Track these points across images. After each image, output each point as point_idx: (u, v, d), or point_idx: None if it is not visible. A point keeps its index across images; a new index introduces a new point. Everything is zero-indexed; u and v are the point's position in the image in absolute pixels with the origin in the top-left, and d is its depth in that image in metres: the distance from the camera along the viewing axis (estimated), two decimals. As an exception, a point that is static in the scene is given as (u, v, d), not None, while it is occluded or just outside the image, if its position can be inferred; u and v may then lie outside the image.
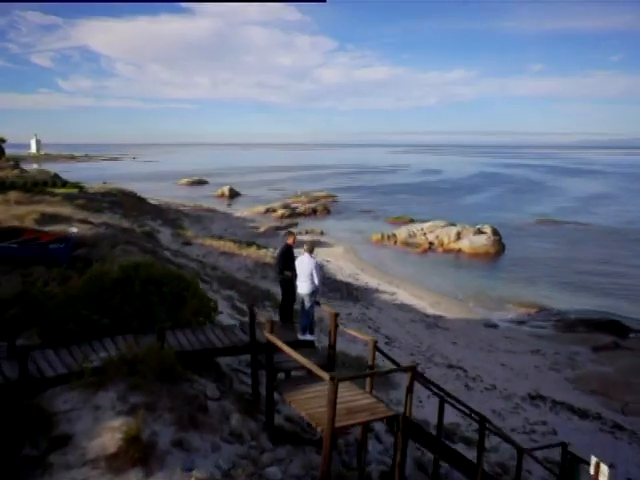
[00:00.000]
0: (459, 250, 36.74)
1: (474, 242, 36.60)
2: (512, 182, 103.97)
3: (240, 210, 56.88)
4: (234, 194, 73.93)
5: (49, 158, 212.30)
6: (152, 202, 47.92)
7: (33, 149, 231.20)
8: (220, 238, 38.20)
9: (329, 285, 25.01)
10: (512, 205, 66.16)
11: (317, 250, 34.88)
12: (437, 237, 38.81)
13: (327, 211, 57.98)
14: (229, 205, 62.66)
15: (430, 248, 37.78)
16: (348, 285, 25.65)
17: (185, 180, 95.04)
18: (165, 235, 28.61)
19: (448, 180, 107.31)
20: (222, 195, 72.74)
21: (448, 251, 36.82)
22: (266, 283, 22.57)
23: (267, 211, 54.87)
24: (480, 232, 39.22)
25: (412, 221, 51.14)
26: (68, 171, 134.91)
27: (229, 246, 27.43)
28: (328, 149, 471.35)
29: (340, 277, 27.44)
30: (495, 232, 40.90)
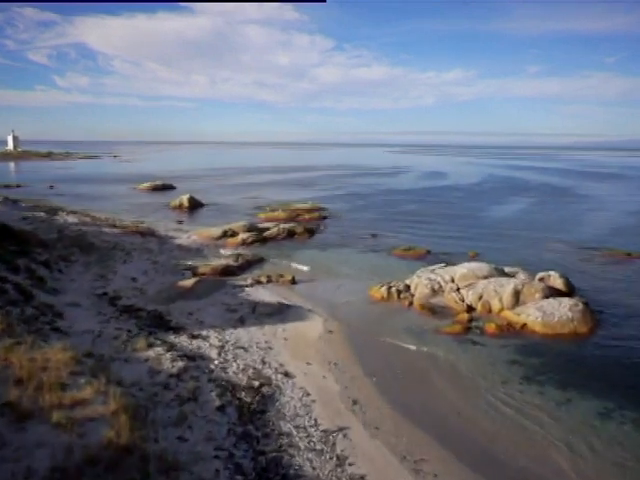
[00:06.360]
0: (523, 327, 21.07)
1: (550, 314, 20.89)
2: (533, 188, 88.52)
3: (189, 232, 41.12)
4: (196, 205, 58.21)
5: (24, 155, 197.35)
6: (26, 229, 32.07)
7: (10, 146, 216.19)
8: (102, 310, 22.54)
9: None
10: (553, 224, 50.42)
11: (277, 333, 19.24)
12: (480, 298, 23.16)
13: (309, 233, 42.31)
14: (180, 223, 46.84)
15: (471, 319, 22.07)
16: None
17: (147, 185, 79.13)
18: None
19: (457, 186, 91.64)
20: (180, 206, 56.98)
21: (504, 328, 21.08)
22: None
23: (224, 235, 39.20)
24: (551, 290, 23.63)
25: (429, 253, 35.61)
26: (25, 171, 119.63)
27: (55, 368, 11.80)
28: (324, 149, 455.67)
29: (303, 462, 11.51)
30: (569, 286, 25.37)
